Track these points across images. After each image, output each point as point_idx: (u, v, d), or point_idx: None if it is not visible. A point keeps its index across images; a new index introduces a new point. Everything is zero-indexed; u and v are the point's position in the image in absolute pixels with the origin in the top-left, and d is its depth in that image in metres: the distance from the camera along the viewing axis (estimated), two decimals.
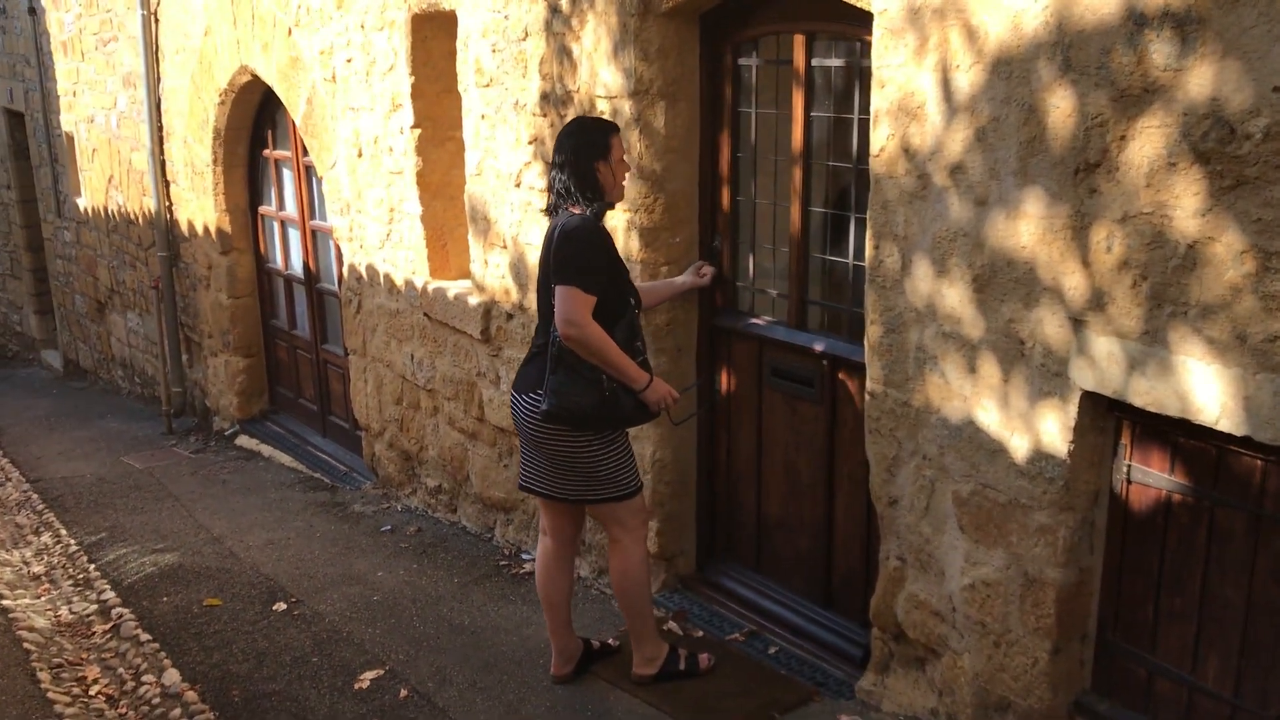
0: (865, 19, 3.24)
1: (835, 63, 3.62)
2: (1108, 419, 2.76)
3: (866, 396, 3.29)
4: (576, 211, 3.40)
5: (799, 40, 3.67)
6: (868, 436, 3.32)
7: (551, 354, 3.39)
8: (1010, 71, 2.72)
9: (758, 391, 4.05)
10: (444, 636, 4.29)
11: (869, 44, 3.25)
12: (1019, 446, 2.87)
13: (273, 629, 4.44)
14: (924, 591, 3.24)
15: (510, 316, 4.78)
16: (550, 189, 3.50)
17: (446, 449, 5.48)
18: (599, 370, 3.37)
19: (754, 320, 4.04)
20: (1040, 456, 2.82)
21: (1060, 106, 2.61)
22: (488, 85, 4.64)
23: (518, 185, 4.58)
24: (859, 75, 3.53)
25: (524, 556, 4.95)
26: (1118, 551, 2.86)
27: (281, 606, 4.65)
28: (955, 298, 2.96)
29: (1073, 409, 2.72)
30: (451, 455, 5.45)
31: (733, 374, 4.16)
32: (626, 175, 3.60)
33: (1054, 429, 2.77)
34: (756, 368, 4.04)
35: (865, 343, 3.29)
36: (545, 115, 4.35)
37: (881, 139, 3.10)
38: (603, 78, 4.03)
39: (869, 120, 3.20)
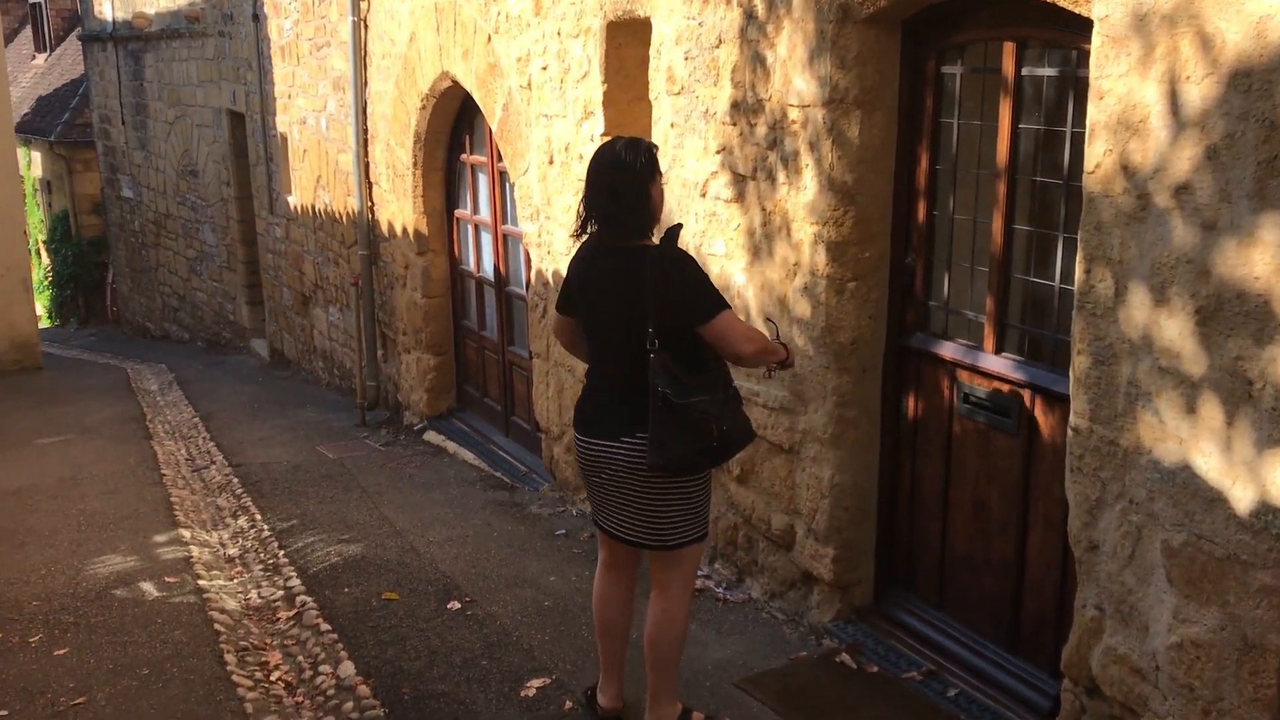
0: (1084, 26, 3.01)
1: (1048, 72, 3.39)
2: None
3: (1069, 432, 3.05)
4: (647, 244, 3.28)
5: (1009, 48, 3.45)
6: (1069, 475, 3.08)
7: (657, 405, 3.15)
8: (1249, 84, 2.46)
9: (948, 419, 3.83)
10: None
11: (1087, 52, 3.02)
12: (1241, 497, 2.59)
13: (445, 628, 4.49)
14: (1124, 646, 2.98)
15: None
16: (633, 214, 3.28)
17: None
18: (706, 417, 3.17)
19: (947, 343, 3.83)
20: (1266, 509, 2.54)
21: None
22: (678, 93, 4.58)
23: (703, 195, 4.49)
24: (1073, 85, 3.29)
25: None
26: None
27: (455, 605, 4.70)
28: (1175, 330, 2.70)
29: None
30: None
31: (921, 399, 3.96)
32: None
33: None
34: (948, 394, 3.82)
35: (1070, 374, 3.05)
36: (734, 124, 4.25)
37: (1098, 154, 2.87)
38: (796, 86, 3.90)
39: (1083, 134, 2.98)
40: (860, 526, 4.14)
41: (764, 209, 4.16)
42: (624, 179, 3.21)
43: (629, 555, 3.51)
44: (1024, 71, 3.45)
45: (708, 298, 3.19)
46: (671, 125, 4.66)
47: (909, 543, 4.10)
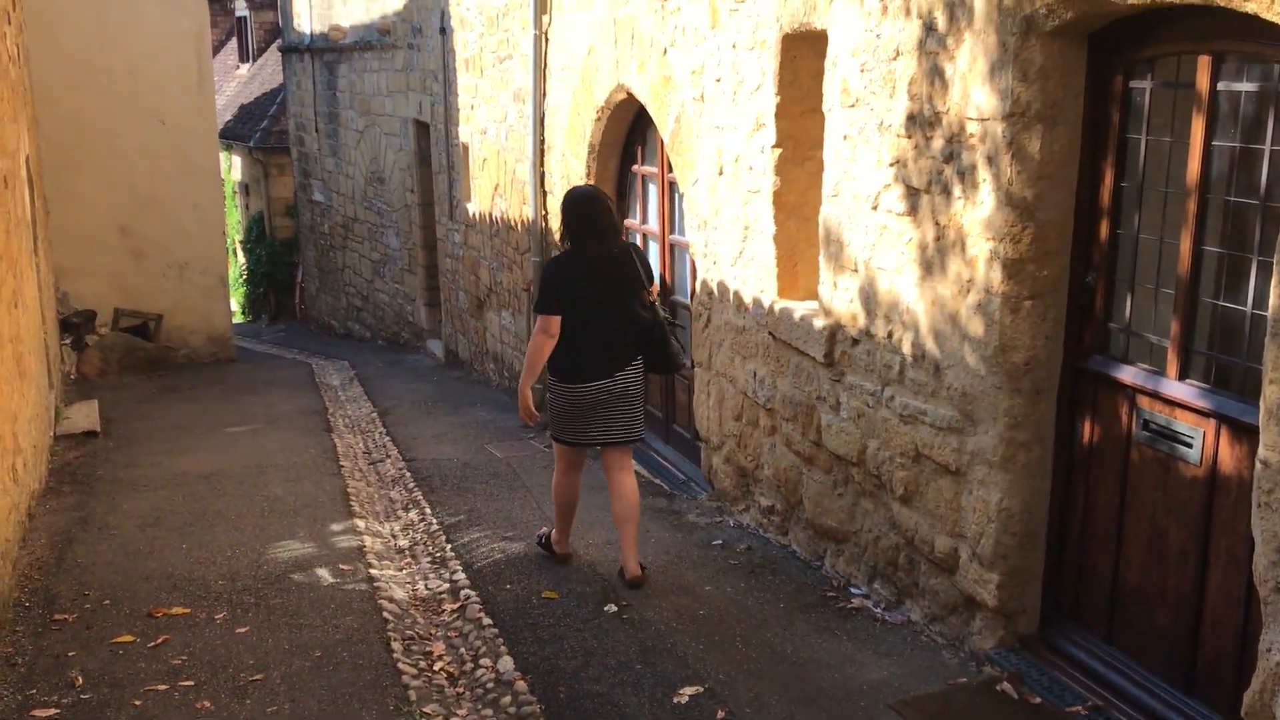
0: None
1: (1246, 87, 3.23)
2: None
3: (1258, 465, 2.89)
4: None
5: (1204, 62, 3.30)
6: (1255, 510, 2.92)
7: (659, 335, 5.01)
8: None
9: (1125, 446, 3.68)
10: (765, 662, 4.23)
11: None
12: None
13: (602, 630, 4.56)
14: None
15: (856, 342, 4.65)
16: (615, 229, 4.98)
17: (781, 470, 5.43)
18: (674, 333, 5.09)
19: (1127, 366, 3.69)
20: None
21: None
22: (853, 105, 4.54)
23: (874, 208, 4.45)
24: (1274, 101, 3.12)
25: (853, 590, 4.80)
26: None
27: (612, 608, 4.77)
28: None
29: None
30: (786, 477, 5.39)
31: (1097, 424, 3.81)
32: None
33: None
34: (1126, 420, 3.68)
35: (1261, 404, 2.89)
36: (910, 137, 4.19)
37: None
38: (975, 99, 3.83)
39: None
40: (1028, 553, 4.01)
41: (937, 223, 4.09)
42: (610, 208, 5.00)
43: (582, 461, 5.18)
44: (1220, 86, 3.29)
45: (651, 273, 5.09)
46: (844, 137, 4.63)
47: (1078, 572, 3.96)
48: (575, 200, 4.99)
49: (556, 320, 4.86)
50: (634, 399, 5.03)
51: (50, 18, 10.53)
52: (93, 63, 11.02)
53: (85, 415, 8.43)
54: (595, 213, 4.90)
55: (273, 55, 21.49)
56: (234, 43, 24.93)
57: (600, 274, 4.89)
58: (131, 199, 11.38)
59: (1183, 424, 3.46)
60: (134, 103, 11.27)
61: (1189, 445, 3.43)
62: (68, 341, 10.71)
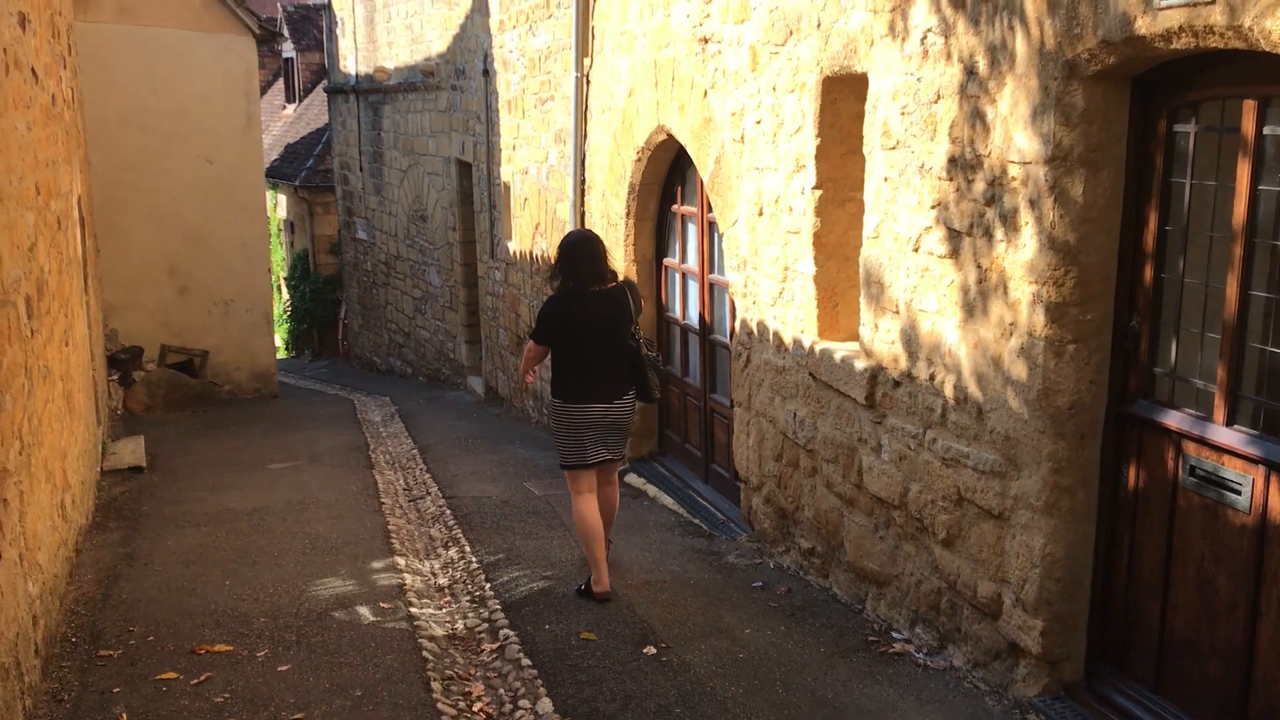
0: None
1: None
2: None
3: None
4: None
5: (1249, 106, 3.29)
6: None
7: (637, 364, 5.53)
8: None
9: (1171, 492, 3.64)
10: (805, 707, 4.19)
11: None
12: None
13: (640, 672, 4.54)
14: None
15: (897, 384, 4.63)
16: (606, 274, 5.45)
17: (822, 512, 5.40)
18: (657, 365, 5.69)
19: (1172, 411, 3.65)
20: None
21: None
22: (893, 148, 4.56)
23: (915, 250, 4.44)
24: None
25: (895, 635, 4.75)
26: None
27: (651, 650, 4.75)
28: None
29: None
30: (827, 519, 5.36)
31: (1142, 469, 3.77)
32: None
33: None
34: (1172, 465, 3.63)
35: None
36: (951, 179, 4.20)
37: None
38: (1017, 143, 3.83)
39: None
40: (1072, 599, 3.96)
41: (979, 266, 4.08)
42: (603, 249, 5.52)
43: (594, 483, 5.53)
44: (1266, 131, 3.27)
45: (640, 307, 5.61)
46: (885, 180, 4.63)
47: (1125, 620, 3.90)
48: (573, 243, 5.57)
49: (544, 350, 5.57)
50: (626, 427, 5.61)
51: (103, 61, 10.79)
52: (144, 105, 11.26)
53: (131, 451, 8.54)
54: (593, 254, 5.44)
55: (318, 95, 21.84)
56: (281, 83, 25.39)
57: (601, 307, 5.41)
58: (179, 237, 11.59)
59: (1231, 470, 3.41)
60: (183, 143, 11.51)
61: (1237, 492, 3.38)
62: (115, 377, 10.88)
